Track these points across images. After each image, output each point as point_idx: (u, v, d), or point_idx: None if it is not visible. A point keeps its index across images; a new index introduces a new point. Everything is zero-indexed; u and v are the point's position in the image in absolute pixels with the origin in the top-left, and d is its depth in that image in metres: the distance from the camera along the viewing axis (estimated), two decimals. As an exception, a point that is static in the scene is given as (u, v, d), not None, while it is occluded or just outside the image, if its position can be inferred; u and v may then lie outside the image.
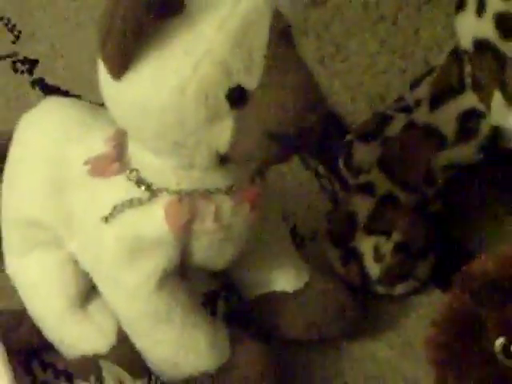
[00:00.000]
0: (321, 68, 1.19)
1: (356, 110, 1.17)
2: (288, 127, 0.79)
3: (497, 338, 0.75)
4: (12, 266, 0.99)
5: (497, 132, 0.99)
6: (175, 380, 0.94)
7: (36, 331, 0.98)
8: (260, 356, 0.96)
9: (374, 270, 1.04)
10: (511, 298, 0.75)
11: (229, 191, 0.87)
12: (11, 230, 0.97)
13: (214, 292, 1.06)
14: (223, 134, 0.80)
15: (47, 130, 0.93)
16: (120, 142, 0.88)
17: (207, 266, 0.93)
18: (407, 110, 1.08)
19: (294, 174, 1.13)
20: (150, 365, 0.95)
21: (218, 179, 0.86)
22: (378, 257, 1.04)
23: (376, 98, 1.18)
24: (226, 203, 0.88)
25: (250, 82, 0.78)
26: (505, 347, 0.75)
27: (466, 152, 1.03)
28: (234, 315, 1.04)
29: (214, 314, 1.03)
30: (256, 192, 0.90)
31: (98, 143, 0.89)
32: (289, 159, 0.86)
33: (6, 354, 0.87)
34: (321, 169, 1.14)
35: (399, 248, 1.04)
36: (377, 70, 1.20)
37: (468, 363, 0.77)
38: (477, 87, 0.97)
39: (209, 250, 0.90)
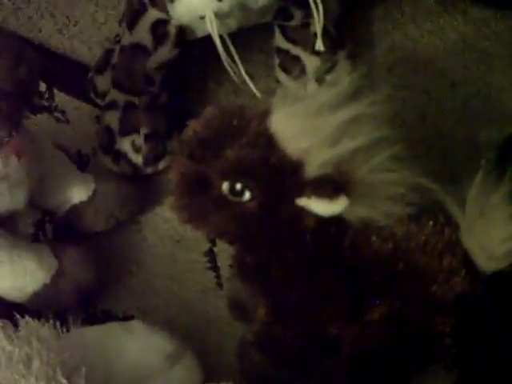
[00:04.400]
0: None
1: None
2: None
3: (221, 183, 0.61)
4: None
5: (182, 29, 0.84)
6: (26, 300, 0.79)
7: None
8: (82, 257, 0.82)
9: (137, 159, 0.90)
10: (219, 150, 0.61)
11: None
12: None
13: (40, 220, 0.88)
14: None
15: None
16: None
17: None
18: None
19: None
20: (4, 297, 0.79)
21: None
22: (137, 149, 0.90)
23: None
24: None
25: None
26: (231, 188, 0.61)
27: (165, 52, 0.87)
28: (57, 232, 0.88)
29: (36, 240, 0.87)
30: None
31: None
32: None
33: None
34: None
35: (149, 137, 0.89)
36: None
37: (207, 213, 0.62)
38: (153, 2, 0.83)
39: None
